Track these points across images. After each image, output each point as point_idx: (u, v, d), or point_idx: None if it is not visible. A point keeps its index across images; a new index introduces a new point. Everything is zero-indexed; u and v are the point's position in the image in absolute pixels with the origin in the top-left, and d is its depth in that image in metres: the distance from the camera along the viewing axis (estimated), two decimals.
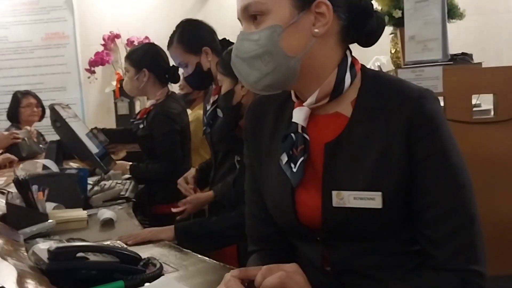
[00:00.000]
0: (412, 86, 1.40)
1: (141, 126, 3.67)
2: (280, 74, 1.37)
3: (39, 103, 5.35)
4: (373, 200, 1.33)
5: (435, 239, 1.33)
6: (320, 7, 1.35)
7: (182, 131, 3.70)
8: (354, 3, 1.41)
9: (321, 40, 1.37)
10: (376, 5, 3.36)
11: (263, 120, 1.57)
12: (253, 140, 1.59)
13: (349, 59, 1.43)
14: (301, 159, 1.38)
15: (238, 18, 1.43)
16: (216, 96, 3.25)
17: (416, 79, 2.97)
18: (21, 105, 5.22)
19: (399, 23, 3.29)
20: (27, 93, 5.36)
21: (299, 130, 1.41)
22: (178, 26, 3.36)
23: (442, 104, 2.89)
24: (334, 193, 1.37)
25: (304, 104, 1.43)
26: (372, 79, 1.43)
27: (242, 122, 2.61)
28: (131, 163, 3.75)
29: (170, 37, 3.35)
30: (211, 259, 1.90)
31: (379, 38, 1.48)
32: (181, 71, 3.57)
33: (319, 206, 1.40)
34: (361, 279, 1.41)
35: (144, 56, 3.74)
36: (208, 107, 3.04)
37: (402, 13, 3.19)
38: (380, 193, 1.33)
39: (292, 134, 1.41)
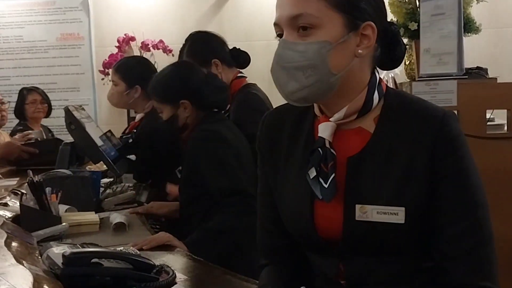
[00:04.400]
0: (435, 106, 1.44)
1: (130, 141, 3.62)
2: (318, 89, 1.37)
3: (44, 99, 5.31)
4: (396, 215, 1.35)
5: (452, 255, 1.35)
6: (366, 29, 1.38)
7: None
8: (387, 29, 1.46)
9: (360, 60, 1.40)
10: (392, 17, 3.36)
11: (280, 131, 1.57)
12: (269, 151, 1.59)
13: (378, 78, 1.46)
14: (332, 175, 1.39)
15: (275, 23, 1.42)
16: None
17: (431, 92, 2.97)
18: (26, 101, 5.20)
19: (414, 36, 3.29)
20: (32, 90, 5.33)
21: (327, 145, 1.42)
22: (187, 39, 3.35)
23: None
24: (357, 206, 1.38)
25: (330, 119, 1.44)
26: (395, 98, 1.46)
27: (185, 136, 2.71)
28: None
29: (180, 51, 3.34)
30: (223, 268, 1.91)
31: (401, 63, 1.53)
32: None
33: (340, 219, 1.41)
34: None
35: (138, 72, 3.63)
36: None
37: (418, 26, 3.19)
38: (403, 208, 1.35)
39: (319, 149, 1.42)
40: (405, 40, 3.47)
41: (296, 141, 1.53)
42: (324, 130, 1.43)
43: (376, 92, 1.43)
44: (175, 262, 1.95)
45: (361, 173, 1.40)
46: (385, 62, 1.49)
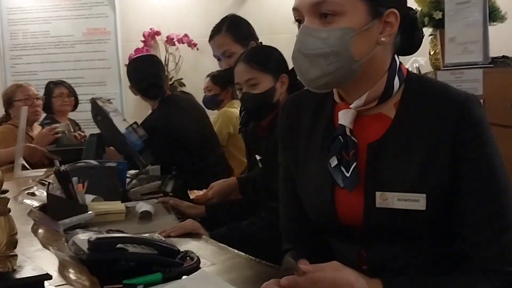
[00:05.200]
0: (457, 90, 1.42)
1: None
2: (340, 76, 1.36)
3: (71, 92, 5.33)
4: (417, 201, 1.34)
5: (476, 241, 1.33)
6: (389, 16, 1.37)
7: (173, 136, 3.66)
8: (407, 15, 1.44)
9: (382, 48, 1.39)
10: (416, 6, 3.34)
11: (299, 118, 1.57)
12: (289, 138, 1.59)
13: (398, 64, 1.44)
14: (354, 164, 1.38)
15: (295, 8, 1.40)
16: None
17: (456, 81, 2.95)
18: (52, 95, 5.22)
19: (439, 25, 3.25)
20: (59, 83, 5.34)
21: (347, 133, 1.41)
22: (226, 17, 3.31)
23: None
24: (378, 194, 1.37)
25: (351, 106, 1.43)
26: (416, 82, 1.45)
27: (265, 122, 2.62)
28: None
29: (217, 26, 3.27)
30: (247, 255, 1.91)
31: (418, 49, 1.51)
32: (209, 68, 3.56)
33: (360, 206, 1.40)
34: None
35: (128, 73, 3.91)
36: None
37: (443, 15, 3.16)
38: (424, 195, 1.34)
39: (340, 137, 1.41)
40: (430, 30, 3.45)
41: (316, 128, 1.52)
42: (345, 117, 1.42)
43: (396, 78, 1.42)
44: (200, 249, 1.96)
45: (382, 159, 1.39)
46: (403, 48, 1.48)
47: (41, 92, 5.23)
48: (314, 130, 1.53)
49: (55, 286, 1.38)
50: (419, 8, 3.32)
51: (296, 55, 1.40)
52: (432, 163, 1.35)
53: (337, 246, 1.53)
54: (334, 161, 1.41)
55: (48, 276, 1.28)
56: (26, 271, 1.28)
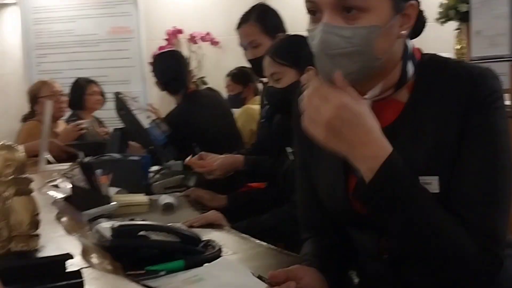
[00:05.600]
0: (472, 65, 1.37)
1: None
2: (361, 74, 1.31)
3: (102, 92, 5.37)
4: (430, 184, 1.30)
5: (468, 218, 1.28)
6: (408, 9, 1.33)
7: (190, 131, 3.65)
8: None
9: (400, 40, 1.35)
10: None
11: None
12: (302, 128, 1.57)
13: (409, 48, 1.40)
14: None
15: (311, 0, 1.31)
16: None
17: None
18: (86, 92, 5.23)
19: (465, 18, 3.24)
20: (91, 81, 5.37)
21: None
22: (255, 7, 3.25)
23: (508, 102, 2.84)
24: None
25: (365, 96, 1.37)
26: (429, 63, 1.40)
27: None
28: None
29: (246, 15, 3.21)
30: (268, 244, 1.91)
31: (421, 33, 1.46)
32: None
33: None
34: (418, 267, 1.37)
35: (152, 70, 4.02)
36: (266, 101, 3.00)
37: (469, 8, 3.14)
38: (437, 177, 1.30)
39: None
40: (456, 24, 3.42)
41: None
42: None
43: (410, 63, 1.38)
44: (222, 238, 1.95)
45: (394, 144, 1.32)
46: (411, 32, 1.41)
47: (65, 91, 5.27)
48: None
49: (78, 267, 1.38)
50: (445, 1, 3.30)
51: (319, 56, 1.32)
52: (444, 143, 1.31)
53: (356, 236, 1.51)
54: None
55: (69, 256, 1.28)
56: (48, 251, 1.29)
